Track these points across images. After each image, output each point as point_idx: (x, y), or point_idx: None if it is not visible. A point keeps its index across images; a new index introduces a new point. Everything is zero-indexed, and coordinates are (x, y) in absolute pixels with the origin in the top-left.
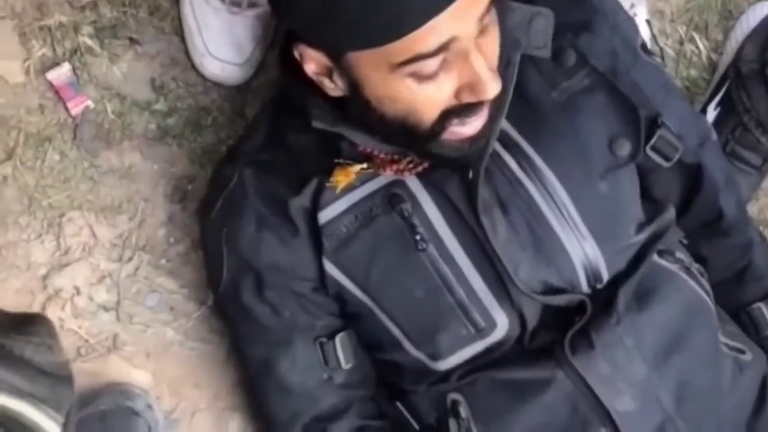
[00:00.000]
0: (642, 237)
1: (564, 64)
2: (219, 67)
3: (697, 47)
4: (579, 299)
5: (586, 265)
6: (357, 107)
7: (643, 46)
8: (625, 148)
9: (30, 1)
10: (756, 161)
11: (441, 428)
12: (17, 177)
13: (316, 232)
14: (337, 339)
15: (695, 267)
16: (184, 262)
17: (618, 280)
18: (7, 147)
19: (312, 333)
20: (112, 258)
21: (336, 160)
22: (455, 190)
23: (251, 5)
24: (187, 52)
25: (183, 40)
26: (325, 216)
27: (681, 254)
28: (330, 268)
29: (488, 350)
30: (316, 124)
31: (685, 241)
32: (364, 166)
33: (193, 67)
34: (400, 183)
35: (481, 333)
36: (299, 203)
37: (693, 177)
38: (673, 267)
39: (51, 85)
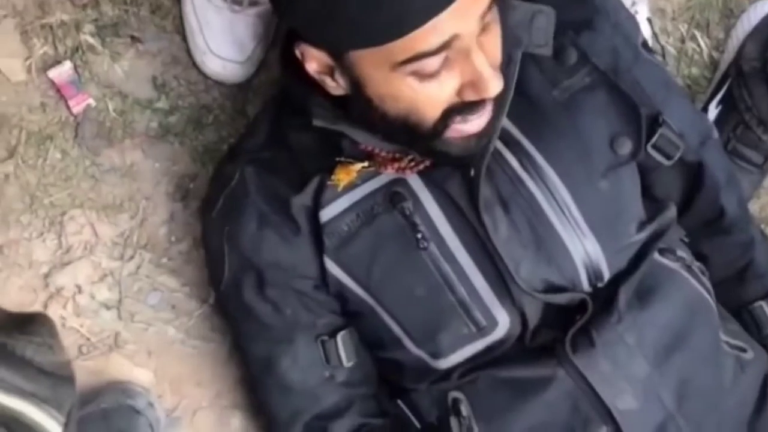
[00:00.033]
0: (643, 235)
1: (565, 62)
2: (220, 65)
3: (699, 45)
4: (580, 298)
5: (587, 264)
6: (358, 106)
7: (644, 44)
8: (626, 147)
9: None
10: (757, 159)
11: (442, 426)
12: (19, 175)
13: (317, 230)
14: (339, 337)
15: (696, 265)
16: (185, 261)
17: (619, 278)
18: (8, 145)
19: (313, 331)
20: (113, 256)
21: (337, 159)
22: (457, 188)
23: (252, 3)
24: (188, 51)
25: (184, 38)
26: (326, 214)
27: (682, 252)
28: (331, 267)
29: (489, 349)
30: (317, 123)
31: (686, 240)
32: (366, 164)
33: (195, 65)
34: (401, 181)
35: (482, 331)
36: (300, 201)
37: (694, 175)
38: (675, 265)
39: (52, 83)
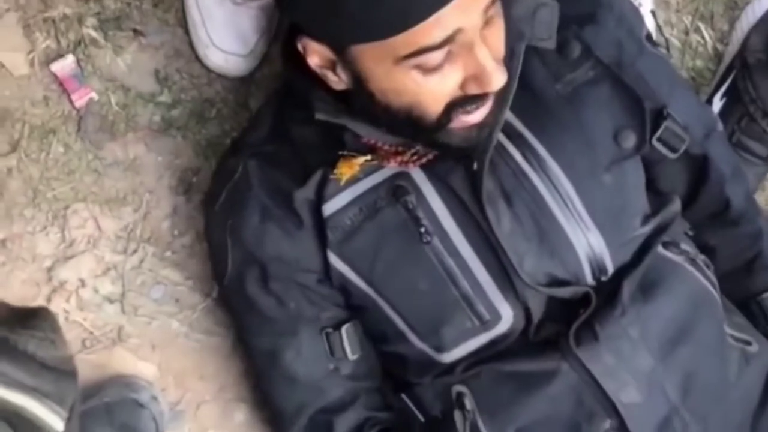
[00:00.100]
0: (647, 229)
1: (569, 55)
2: (223, 59)
3: (703, 37)
4: (584, 291)
5: (591, 257)
6: (361, 100)
7: (648, 37)
8: (630, 140)
9: None
10: (762, 152)
11: (446, 420)
12: (22, 169)
13: (320, 224)
14: (343, 330)
15: (701, 258)
16: (188, 254)
17: (623, 272)
18: (11, 139)
19: (317, 324)
20: (116, 250)
21: (340, 152)
22: (460, 181)
23: None
24: (191, 44)
25: (187, 31)
26: (329, 208)
27: (686, 246)
28: (334, 261)
29: (493, 342)
30: (320, 117)
31: (690, 233)
32: (368, 158)
33: (197, 58)
34: (404, 175)
35: (485, 325)
36: (303, 195)
37: (699, 168)
38: (678, 258)
39: (55, 77)
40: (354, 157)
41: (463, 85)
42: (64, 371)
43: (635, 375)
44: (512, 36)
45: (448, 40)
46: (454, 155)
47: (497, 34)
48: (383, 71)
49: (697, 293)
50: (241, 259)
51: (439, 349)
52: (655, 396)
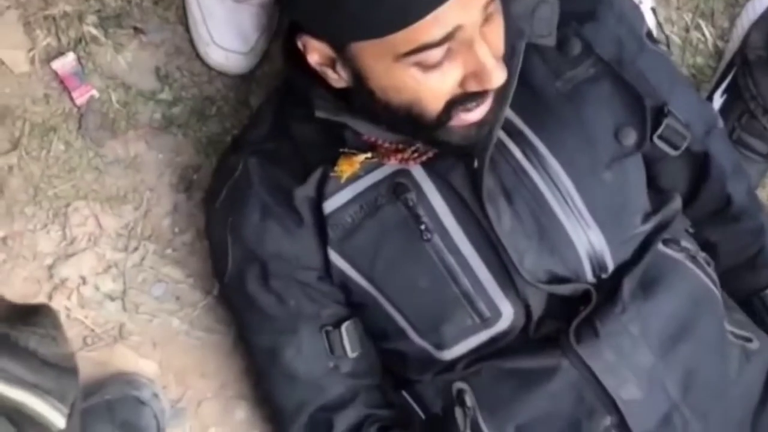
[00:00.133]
0: (648, 227)
1: (569, 53)
2: (223, 56)
3: (703, 34)
4: (584, 288)
5: (591, 255)
6: (361, 97)
7: (649, 34)
8: (630, 138)
9: None
10: (762, 149)
11: (447, 417)
12: (23, 167)
13: (321, 221)
14: (343, 327)
15: (701, 256)
16: (189, 252)
17: (623, 269)
18: (12, 137)
19: (318, 321)
20: (117, 248)
21: (340, 150)
22: (460, 179)
23: None
24: (191, 42)
25: (187, 29)
26: (329, 206)
27: (687, 243)
28: (335, 258)
29: (493, 340)
30: (320, 114)
31: (691, 230)
32: (369, 155)
33: (198, 56)
34: (404, 172)
35: (486, 323)
36: (304, 193)
37: (700, 165)
38: (679, 256)
39: (56, 74)
40: (354, 154)
41: (463, 83)
42: (66, 368)
43: (635, 372)
44: (512, 33)
45: (447, 38)
46: (454, 153)
47: (497, 32)
48: (383, 69)
49: (697, 290)
50: (241, 256)
51: (440, 346)
52: (655, 393)
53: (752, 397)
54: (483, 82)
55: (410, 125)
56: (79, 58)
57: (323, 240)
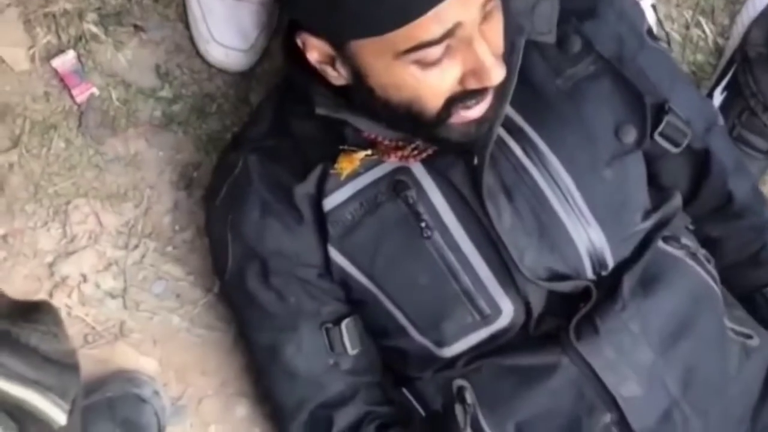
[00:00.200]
0: (648, 224)
1: (569, 50)
2: (223, 54)
3: (704, 32)
4: (584, 285)
5: (591, 252)
6: (360, 95)
7: (649, 31)
8: (631, 135)
9: None
10: (763, 146)
11: (447, 414)
12: (23, 164)
13: (321, 219)
14: (343, 325)
15: (701, 253)
16: (190, 249)
17: (623, 267)
18: (12, 135)
19: (318, 319)
20: (118, 245)
21: (340, 147)
22: (460, 176)
23: None
24: (191, 39)
25: (187, 26)
26: (329, 203)
27: (687, 240)
28: (335, 255)
29: (493, 337)
30: (320, 111)
31: (691, 227)
32: (369, 152)
33: (198, 53)
34: (404, 170)
35: (486, 320)
36: (304, 190)
37: (701, 162)
38: (679, 253)
39: (56, 72)
40: (354, 151)
41: (462, 80)
42: (67, 364)
43: (636, 369)
44: (512, 30)
45: (447, 35)
46: (453, 150)
47: (496, 29)
48: (382, 66)
49: (697, 287)
50: (241, 254)
51: (440, 343)
52: (655, 390)
53: (752, 393)
54: (482, 80)
55: (410, 123)
56: (79, 56)
57: (323, 237)
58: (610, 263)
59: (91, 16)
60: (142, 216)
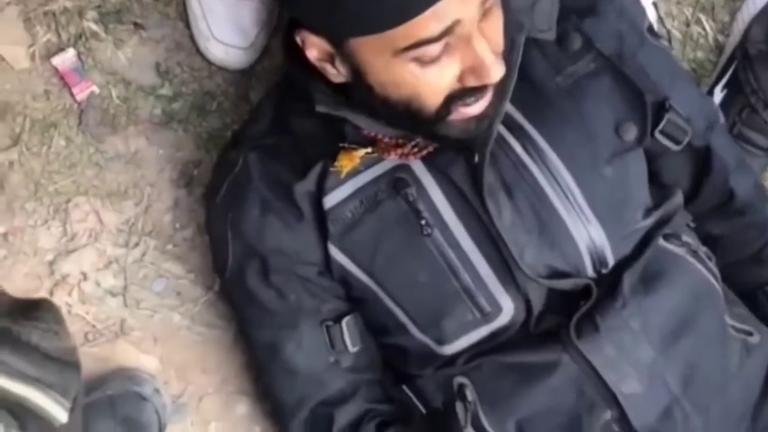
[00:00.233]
0: (649, 222)
1: (569, 48)
2: (223, 51)
3: (704, 29)
4: (584, 283)
5: (591, 250)
6: (360, 93)
7: (650, 29)
8: (631, 133)
9: None
10: (763, 143)
11: (447, 411)
12: (23, 163)
13: (321, 216)
14: (344, 322)
15: (702, 250)
16: (190, 247)
17: (624, 264)
18: (12, 133)
19: (318, 316)
20: (118, 243)
21: (340, 145)
22: (460, 174)
23: None
24: (191, 37)
25: (187, 24)
26: (330, 201)
27: (687, 238)
28: (335, 253)
29: (494, 335)
30: (320, 109)
31: (692, 225)
32: (369, 150)
33: (198, 51)
34: (404, 167)
35: (486, 318)
36: (304, 188)
37: (702, 160)
38: (680, 251)
39: (56, 70)
40: (354, 149)
41: (461, 78)
42: (68, 362)
43: (636, 366)
44: (512, 28)
45: (445, 32)
46: (453, 147)
47: (495, 26)
48: (381, 64)
49: (698, 285)
50: (241, 251)
51: (440, 341)
52: (656, 387)
53: (753, 390)
54: (481, 77)
55: (409, 120)
56: (79, 54)
57: (323, 235)
58: (611, 261)
59: (91, 14)
60: (143, 214)
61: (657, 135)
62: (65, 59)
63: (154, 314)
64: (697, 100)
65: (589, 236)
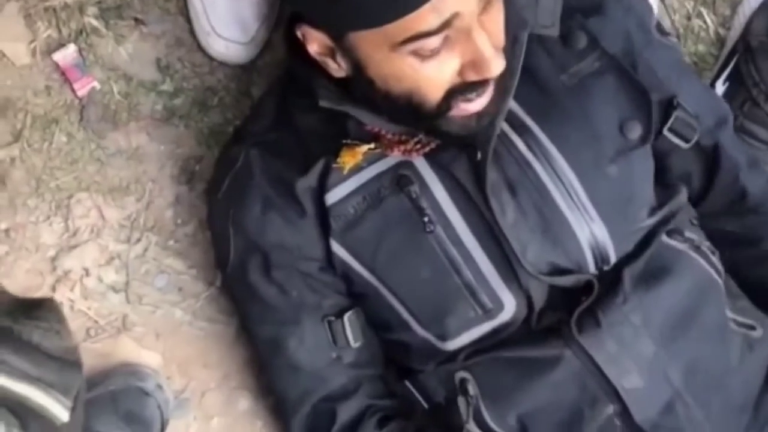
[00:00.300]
0: (653, 221)
1: (574, 46)
2: (224, 46)
3: (705, 22)
4: (586, 279)
5: (594, 247)
6: (361, 87)
7: (659, 26)
8: (635, 131)
9: None
10: (765, 136)
11: (449, 406)
12: (25, 159)
13: (323, 212)
14: (346, 317)
15: (705, 245)
16: (191, 243)
17: (625, 261)
18: (14, 129)
19: (320, 312)
20: (120, 239)
21: (343, 141)
22: (463, 171)
23: None
24: (192, 32)
25: (188, 19)
26: (332, 197)
27: (690, 233)
28: (337, 249)
29: (496, 331)
30: (323, 104)
31: (695, 222)
32: (372, 146)
33: (199, 47)
34: (407, 164)
35: (488, 314)
36: (306, 184)
37: (711, 158)
38: (682, 246)
39: (57, 66)
40: (357, 145)
41: (461, 72)
42: (69, 361)
43: (637, 361)
44: (515, 24)
45: (444, 26)
46: (455, 143)
47: (496, 20)
48: (381, 57)
49: (700, 280)
50: (243, 247)
51: (443, 337)
52: (657, 381)
53: (754, 383)
54: (481, 71)
55: (411, 115)
56: (80, 50)
57: (325, 231)
58: (613, 258)
59: (92, 9)
60: (144, 210)
61: (665, 133)
62: (66, 55)
63: (156, 310)
64: (705, 98)
65: (592, 234)
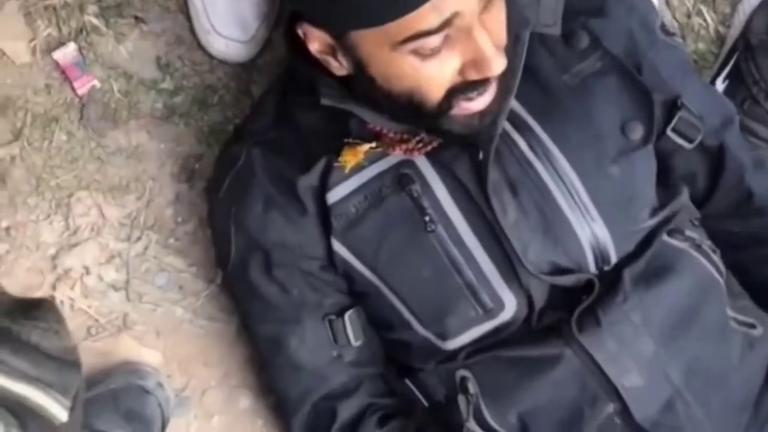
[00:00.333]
0: (654, 221)
1: (576, 46)
2: (224, 45)
3: (705, 20)
4: (587, 278)
5: (595, 247)
6: (363, 85)
7: (663, 26)
8: (637, 132)
9: None
10: (765, 134)
11: (450, 404)
12: (25, 158)
13: (324, 211)
14: (346, 316)
15: (707, 244)
16: (192, 241)
17: (626, 261)
18: (14, 128)
19: (320, 311)
20: (120, 237)
21: (345, 140)
22: (465, 170)
23: None
24: (192, 30)
25: (188, 18)
26: (333, 196)
27: (691, 232)
28: (338, 248)
29: (496, 330)
30: (325, 102)
31: (696, 222)
32: (373, 145)
33: (199, 45)
34: (409, 163)
35: (489, 314)
36: (307, 183)
37: (716, 158)
38: (683, 245)
39: (57, 65)
40: (359, 144)
41: (462, 71)
42: (68, 361)
43: (637, 360)
44: (516, 23)
45: (445, 24)
46: (456, 142)
47: (497, 19)
48: (382, 56)
49: (700, 279)
50: (244, 245)
51: (443, 336)
52: (657, 380)
53: (755, 382)
54: (482, 70)
55: (412, 113)
56: (80, 48)
57: (326, 230)
58: (614, 258)
59: (92, 8)
60: (144, 208)
61: (669, 133)
62: (66, 53)
63: (156, 308)
64: (710, 98)
65: (593, 234)
